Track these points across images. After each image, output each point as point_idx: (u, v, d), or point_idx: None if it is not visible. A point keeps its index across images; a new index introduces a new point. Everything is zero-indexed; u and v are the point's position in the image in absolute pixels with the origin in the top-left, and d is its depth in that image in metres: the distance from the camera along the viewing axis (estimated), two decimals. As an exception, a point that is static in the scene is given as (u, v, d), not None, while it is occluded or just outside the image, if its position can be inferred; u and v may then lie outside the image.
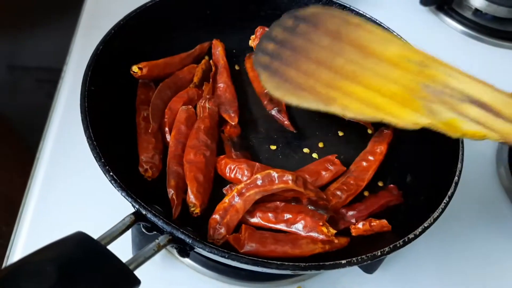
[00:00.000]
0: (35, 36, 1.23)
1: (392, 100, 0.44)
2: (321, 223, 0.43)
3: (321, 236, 0.43)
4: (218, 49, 0.60)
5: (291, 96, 0.46)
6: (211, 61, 0.59)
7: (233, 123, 0.53)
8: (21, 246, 0.51)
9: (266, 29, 0.61)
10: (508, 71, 0.81)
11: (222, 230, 0.43)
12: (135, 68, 0.51)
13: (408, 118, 0.43)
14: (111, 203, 0.46)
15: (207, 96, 0.52)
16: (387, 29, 0.59)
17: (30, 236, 0.52)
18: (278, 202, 0.46)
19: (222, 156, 0.50)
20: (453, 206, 0.44)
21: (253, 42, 0.62)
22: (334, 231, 0.43)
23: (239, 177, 0.48)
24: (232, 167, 0.48)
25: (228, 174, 0.48)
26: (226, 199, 0.45)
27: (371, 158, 0.52)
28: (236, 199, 0.44)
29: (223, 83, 0.57)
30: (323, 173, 0.51)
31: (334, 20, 0.50)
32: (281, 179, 0.45)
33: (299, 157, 0.53)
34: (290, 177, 0.44)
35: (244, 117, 0.56)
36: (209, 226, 0.43)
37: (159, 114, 0.51)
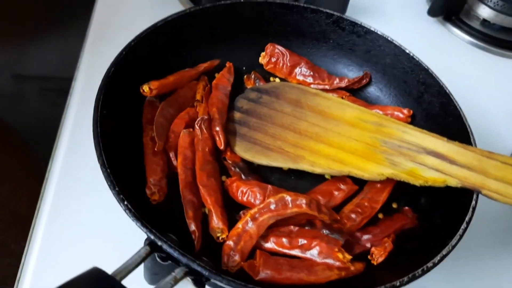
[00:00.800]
0: (41, 45, 1.23)
1: (355, 155, 0.49)
2: (336, 249, 0.43)
3: (337, 263, 0.42)
4: (226, 68, 0.59)
5: (261, 156, 0.51)
6: (206, 77, 0.58)
7: (220, 148, 0.51)
8: (32, 267, 0.51)
9: (277, 46, 0.61)
10: (516, 82, 0.81)
11: (236, 257, 0.42)
12: (145, 88, 0.51)
13: (373, 170, 0.48)
14: (124, 223, 0.45)
15: (205, 117, 0.52)
16: (396, 46, 0.58)
17: (41, 256, 0.51)
18: (292, 227, 0.46)
19: (233, 178, 0.49)
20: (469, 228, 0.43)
21: (263, 59, 0.62)
22: (350, 257, 0.43)
23: (252, 200, 0.47)
24: (244, 190, 0.48)
25: (240, 198, 0.48)
26: (239, 224, 0.44)
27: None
28: (250, 224, 0.44)
29: (217, 101, 0.55)
30: (336, 193, 0.50)
31: (293, 91, 0.56)
32: (295, 203, 0.44)
33: (311, 177, 0.52)
34: (304, 201, 0.44)
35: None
36: (223, 253, 0.43)
37: (164, 132, 0.51)
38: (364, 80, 0.60)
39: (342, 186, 0.50)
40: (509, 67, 0.83)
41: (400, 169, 0.47)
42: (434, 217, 0.47)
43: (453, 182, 0.45)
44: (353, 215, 0.48)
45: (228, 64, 0.59)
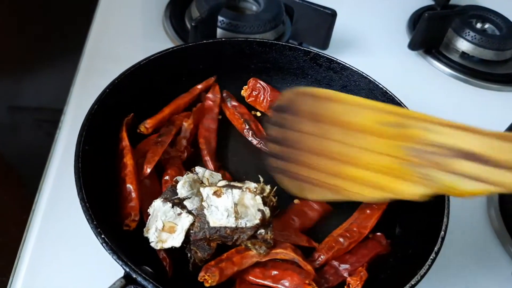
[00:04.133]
0: (36, 77, 1.26)
1: (387, 175, 0.44)
2: (307, 282, 0.44)
3: (308, 296, 0.43)
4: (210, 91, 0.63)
5: (305, 192, 0.51)
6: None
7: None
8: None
9: (259, 81, 0.63)
10: (495, 112, 0.83)
11: (216, 273, 0.43)
12: (142, 128, 0.55)
13: (408, 191, 0.43)
14: (106, 255, 0.46)
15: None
16: (371, 81, 0.60)
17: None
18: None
19: None
20: (442, 248, 0.44)
21: (245, 92, 0.64)
22: (320, 290, 0.44)
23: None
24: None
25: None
26: (224, 255, 0.45)
27: (374, 205, 0.52)
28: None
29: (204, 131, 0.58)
30: (309, 212, 0.52)
31: (305, 101, 0.51)
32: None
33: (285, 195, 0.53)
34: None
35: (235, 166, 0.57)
36: (202, 269, 0.44)
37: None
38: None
39: (315, 206, 0.52)
40: (488, 98, 0.86)
41: (436, 185, 0.40)
42: (408, 246, 0.49)
43: (500, 190, 0.38)
44: (341, 239, 0.49)
45: (211, 82, 0.63)
